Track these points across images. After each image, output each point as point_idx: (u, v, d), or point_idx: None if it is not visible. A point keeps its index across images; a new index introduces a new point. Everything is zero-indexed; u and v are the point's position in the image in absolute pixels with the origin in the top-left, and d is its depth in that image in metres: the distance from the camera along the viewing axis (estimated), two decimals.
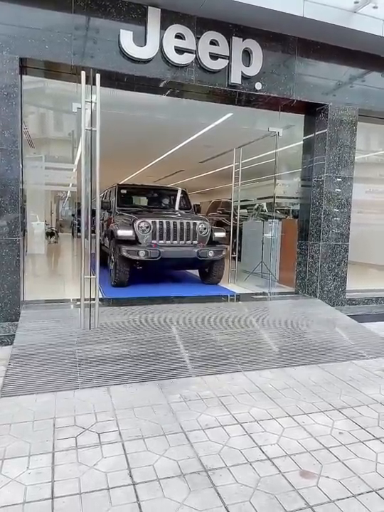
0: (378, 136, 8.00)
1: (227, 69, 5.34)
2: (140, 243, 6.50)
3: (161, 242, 6.60)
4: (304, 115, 6.44)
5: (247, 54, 5.40)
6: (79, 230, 5.70)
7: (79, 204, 4.58)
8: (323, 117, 6.10)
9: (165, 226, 6.68)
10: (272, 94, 5.67)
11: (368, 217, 7.82)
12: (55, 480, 2.14)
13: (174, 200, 8.68)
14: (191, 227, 6.83)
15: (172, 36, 5.04)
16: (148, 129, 7.75)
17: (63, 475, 2.18)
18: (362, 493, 2.13)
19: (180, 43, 5.07)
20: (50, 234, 13.05)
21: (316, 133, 6.26)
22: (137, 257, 6.31)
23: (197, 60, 5.18)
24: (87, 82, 4.27)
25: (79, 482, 2.13)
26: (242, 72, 5.38)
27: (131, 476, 2.19)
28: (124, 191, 8.42)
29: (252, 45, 5.39)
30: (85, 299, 4.59)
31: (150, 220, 6.66)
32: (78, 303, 4.86)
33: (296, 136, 6.75)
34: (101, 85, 4.30)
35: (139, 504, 1.98)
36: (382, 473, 2.30)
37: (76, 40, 4.76)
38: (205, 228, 6.97)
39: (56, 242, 13.60)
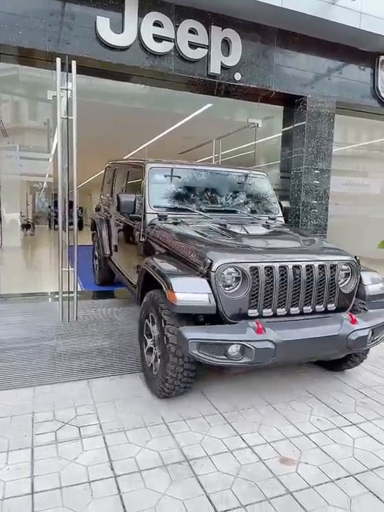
0: (354, 129, 8.12)
1: (207, 58, 5.29)
2: (226, 316, 2.69)
3: (267, 310, 2.76)
4: (283, 107, 6.48)
5: (226, 44, 5.36)
6: (56, 222, 4.68)
7: (56, 195, 4.48)
8: (302, 109, 6.14)
9: (281, 274, 2.78)
10: (251, 85, 5.66)
11: (344, 209, 7.97)
12: (35, 475, 2.11)
13: (253, 198, 4.40)
14: (328, 273, 2.89)
15: (150, 24, 4.95)
16: (126, 120, 7.63)
17: (43, 470, 2.15)
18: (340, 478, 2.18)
19: (158, 31, 4.99)
20: (26, 226, 12.76)
21: (295, 125, 6.30)
22: (223, 361, 2.54)
23: (176, 48, 5.12)
24: (62, 70, 4.16)
25: (59, 476, 2.10)
26: (221, 62, 5.34)
27: (112, 469, 2.18)
28: (161, 177, 4.06)
29: (231, 34, 5.35)
30: (64, 292, 4.51)
31: (250, 260, 2.73)
32: (56, 296, 4.78)
33: (275, 128, 6.78)
34: (77, 73, 4.20)
35: (121, 496, 1.97)
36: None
37: (51, 26, 4.61)
38: (348, 272, 3.07)
39: (32, 235, 13.31)
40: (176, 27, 5.06)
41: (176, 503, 1.96)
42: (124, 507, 1.91)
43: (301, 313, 2.85)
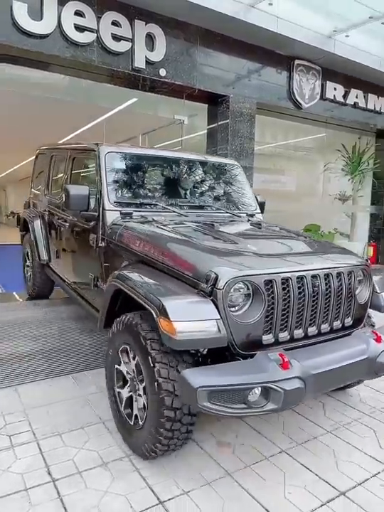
0: (273, 129, 8.59)
1: (131, 52, 5.23)
2: (236, 347, 2.06)
3: (283, 334, 2.19)
4: (207, 105, 6.62)
5: (150, 39, 5.34)
6: None
7: None
8: (225, 108, 6.34)
9: (299, 287, 2.21)
10: (176, 82, 5.71)
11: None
12: None
13: (229, 191, 3.85)
14: (346, 281, 2.41)
15: (71, 13, 4.76)
16: (44, 112, 7.26)
17: None
18: None
19: (80, 21, 4.81)
20: None
21: (219, 123, 6.48)
22: (241, 412, 1.88)
23: (99, 39, 4.98)
24: None
25: None
26: (146, 57, 5.32)
27: (49, 474, 2.10)
28: (121, 165, 3.36)
29: (155, 30, 5.35)
30: None
31: (264, 271, 2.13)
32: None
33: (200, 125, 6.91)
34: None
35: (61, 499, 1.91)
36: None
37: None
38: (361, 279, 2.60)
39: None
40: (99, 18, 4.92)
41: (119, 499, 1.95)
42: (65, 509, 1.85)
43: (319, 334, 2.31)
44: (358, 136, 8.84)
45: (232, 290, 2.02)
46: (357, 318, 2.51)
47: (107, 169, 3.15)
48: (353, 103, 7.72)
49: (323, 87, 7.22)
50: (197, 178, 3.71)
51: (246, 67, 6.35)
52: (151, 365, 2.00)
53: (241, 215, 3.57)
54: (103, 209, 3.04)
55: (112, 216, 3.01)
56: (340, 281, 2.36)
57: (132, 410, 2.28)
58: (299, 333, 2.22)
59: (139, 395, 2.20)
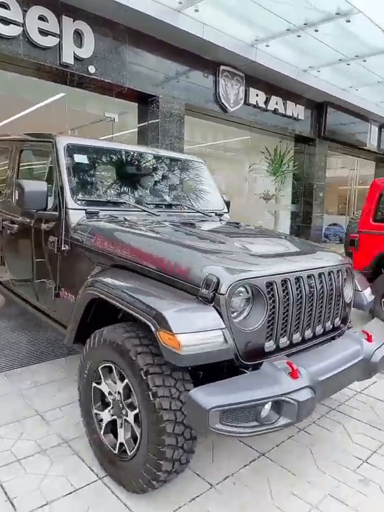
0: (202, 130, 8.93)
1: (59, 47, 5.18)
2: (240, 357, 1.90)
3: (283, 340, 2.10)
4: (137, 104, 6.73)
5: (78, 35, 5.33)
6: None
7: None
8: (155, 108, 6.50)
9: (297, 288, 2.14)
10: (105, 80, 5.75)
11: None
12: None
13: (196, 189, 3.75)
14: (336, 280, 2.39)
15: None
16: None
17: None
18: None
19: (4, 13, 4.68)
20: None
21: (150, 122, 6.62)
22: (254, 431, 1.71)
23: (25, 33, 4.88)
24: None
25: None
26: (74, 53, 5.30)
27: None
28: (83, 159, 3.07)
29: (83, 27, 5.35)
30: None
31: (265, 273, 2.01)
32: None
33: (132, 124, 6.99)
34: None
35: (1, 485, 1.96)
36: None
37: None
38: (345, 277, 2.55)
39: None
40: (25, 11, 4.81)
41: (59, 480, 2.04)
42: (6, 493, 1.91)
43: (314, 336, 2.25)
44: (279, 139, 9.50)
45: (233, 293, 1.84)
46: (343, 318, 2.48)
47: (68, 163, 2.81)
48: (273, 109, 8.30)
49: (246, 93, 7.67)
50: (164, 175, 3.48)
51: (175, 69, 6.57)
52: (147, 386, 1.75)
53: (211, 214, 3.40)
54: (66, 208, 2.69)
55: (76, 216, 2.68)
56: (331, 281, 2.31)
57: (117, 437, 2.03)
58: (297, 337, 2.13)
59: (127, 422, 1.97)
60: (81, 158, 2.97)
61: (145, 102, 6.57)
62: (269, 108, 8.21)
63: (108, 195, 3.02)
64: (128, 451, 1.95)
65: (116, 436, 2.06)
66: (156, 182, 3.43)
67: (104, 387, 2.10)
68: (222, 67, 7.12)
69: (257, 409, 1.66)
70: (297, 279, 2.10)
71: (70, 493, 1.97)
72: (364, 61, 7.45)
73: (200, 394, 1.63)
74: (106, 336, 2.00)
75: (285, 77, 7.69)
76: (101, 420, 2.13)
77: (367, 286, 2.82)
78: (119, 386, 1.98)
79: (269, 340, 1.99)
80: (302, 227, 10.06)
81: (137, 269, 2.16)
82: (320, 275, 2.23)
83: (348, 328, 2.61)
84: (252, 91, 7.76)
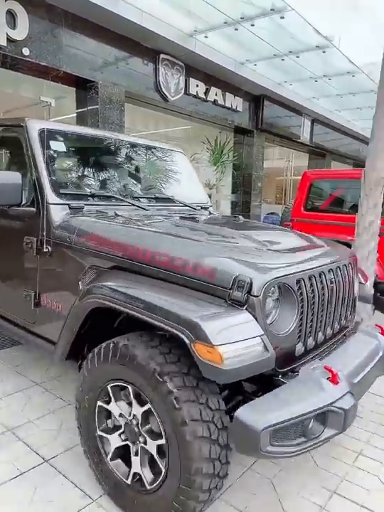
0: (144, 118, 8.90)
1: None
2: (274, 364, 1.66)
3: (310, 341, 1.97)
4: (75, 89, 6.56)
5: (12, 16, 5.08)
6: None
7: None
8: (94, 94, 6.38)
9: (321, 284, 2.01)
10: (41, 63, 5.55)
11: None
12: None
13: (179, 182, 3.47)
14: (351, 274, 2.33)
15: None
16: None
17: None
18: None
19: None
20: None
21: (89, 108, 6.49)
22: (301, 448, 1.54)
23: None
24: None
25: None
26: (7, 34, 5.05)
27: None
28: (61, 147, 2.78)
29: (16, 7, 5.10)
30: None
31: (294, 270, 1.86)
32: None
33: (70, 109, 6.81)
34: None
35: None
36: None
37: None
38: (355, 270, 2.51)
39: None
40: None
41: (5, 466, 2.07)
42: None
43: (333, 335, 2.14)
44: (219, 130, 9.72)
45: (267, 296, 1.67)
46: (353, 313, 2.39)
47: (44, 152, 2.46)
48: (213, 100, 8.47)
49: (187, 83, 7.75)
50: (148, 166, 3.24)
51: (114, 55, 6.47)
52: (180, 414, 1.51)
53: (198, 207, 3.18)
54: (47, 203, 2.34)
55: (59, 212, 2.35)
56: (346, 274, 2.22)
57: (129, 465, 1.80)
58: (320, 336, 2.00)
59: (144, 449, 1.72)
60: (59, 146, 2.62)
61: (83, 87, 6.42)
62: (209, 99, 8.37)
63: (92, 187, 2.71)
64: (147, 483, 1.70)
65: (127, 463, 1.81)
66: (140, 173, 3.17)
67: (113, 408, 1.83)
68: (162, 56, 7.13)
69: (305, 424, 1.52)
70: (319, 274, 1.97)
71: (16, 476, 2.01)
72: (297, 57, 7.83)
73: (248, 414, 1.44)
74: (117, 350, 1.71)
75: (224, 69, 7.87)
76: (106, 444, 1.86)
77: (367, 278, 2.66)
78: (137, 409, 1.72)
79: (299, 342, 1.84)
80: (242, 216, 10.42)
81: (144, 271, 1.89)
82: (337, 269, 2.14)
83: (357, 323, 2.46)
84: (193, 81, 7.86)
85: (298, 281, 1.82)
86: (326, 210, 5.87)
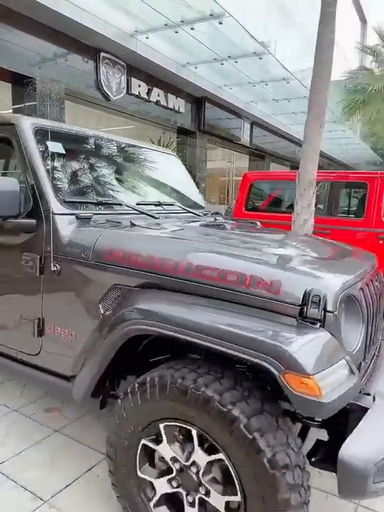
0: (85, 116, 8.74)
1: None
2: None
3: (367, 356, 1.80)
4: (11, 84, 6.31)
5: None
6: None
7: None
8: (32, 90, 6.18)
9: (370, 294, 1.87)
10: None
11: None
12: None
13: (178, 186, 3.26)
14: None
15: None
16: None
17: None
18: None
19: None
20: None
21: (26, 104, 6.28)
22: None
23: None
24: None
25: None
26: None
27: None
28: (58, 149, 2.30)
29: None
30: None
31: (355, 279, 1.74)
32: None
33: (6, 105, 6.54)
34: None
35: None
36: None
37: None
38: None
39: None
40: None
41: None
42: None
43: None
44: (162, 131, 9.79)
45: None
46: None
47: (42, 153, 2.13)
48: (155, 101, 8.53)
49: (128, 82, 7.75)
50: (148, 170, 3.00)
51: (53, 52, 6.32)
52: (262, 455, 1.30)
53: (200, 214, 2.97)
54: (52, 213, 2.00)
55: (66, 223, 2.02)
56: (382, 281, 2.11)
57: None
58: (372, 349, 1.88)
59: (204, 502, 1.49)
60: (56, 147, 2.27)
61: (20, 83, 6.20)
62: (151, 99, 8.41)
63: (96, 194, 2.39)
64: None
65: (175, 509, 1.60)
66: (140, 178, 2.92)
67: (165, 451, 1.57)
68: (102, 54, 7.06)
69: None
70: (372, 282, 1.88)
71: None
72: (236, 62, 8.13)
73: (353, 453, 1.29)
74: (172, 382, 1.46)
75: (165, 70, 7.96)
76: (150, 488, 1.63)
77: None
78: (200, 457, 1.48)
79: (363, 359, 1.67)
80: None
81: (185, 289, 1.65)
82: (378, 276, 2.05)
83: None
84: (135, 81, 7.87)
85: (359, 291, 1.69)
86: (265, 209, 6.17)
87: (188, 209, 2.88)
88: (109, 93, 7.33)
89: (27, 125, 2.16)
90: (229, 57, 7.90)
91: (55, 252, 1.96)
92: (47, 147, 2.18)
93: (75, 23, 5.94)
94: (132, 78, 7.80)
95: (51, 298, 2.05)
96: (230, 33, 6.92)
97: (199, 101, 10.00)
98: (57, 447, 2.28)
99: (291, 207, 5.20)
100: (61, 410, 2.62)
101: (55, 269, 1.97)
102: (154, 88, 8.44)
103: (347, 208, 7.10)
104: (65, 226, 2.01)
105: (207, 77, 9.01)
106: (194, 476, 1.50)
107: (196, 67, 8.43)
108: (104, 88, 7.22)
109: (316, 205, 4.75)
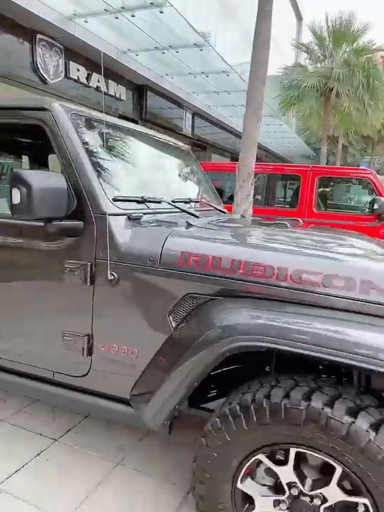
0: None
1: None
2: None
3: None
4: None
5: None
6: None
7: None
8: None
9: None
10: None
11: None
12: None
13: (196, 181, 3.05)
14: None
15: None
16: None
17: None
18: None
19: None
20: None
21: None
22: None
23: None
24: None
25: None
26: None
27: None
28: (97, 139, 2.06)
29: None
30: None
31: None
32: None
33: None
34: None
35: None
36: None
37: None
38: None
39: None
40: None
41: None
42: None
43: None
44: None
45: None
46: None
47: (85, 143, 1.86)
48: (95, 86, 8.31)
49: (67, 66, 7.49)
50: (172, 164, 2.77)
51: None
52: None
53: (225, 211, 2.81)
54: (106, 213, 1.75)
55: (121, 224, 1.79)
56: None
57: None
58: None
59: None
60: (94, 138, 2.01)
61: None
62: (91, 85, 8.19)
63: (136, 191, 2.12)
64: None
65: None
66: (170, 173, 2.71)
67: (284, 475, 1.44)
68: (38, 36, 6.75)
69: None
70: None
71: None
72: (177, 52, 8.16)
73: None
74: (303, 403, 1.31)
75: (105, 55, 7.79)
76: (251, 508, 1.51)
77: None
78: (334, 494, 1.35)
79: None
80: None
81: (282, 296, 1.51)
82: None
83: None
84: (73, 65, 7.62)
85: None
86: None
87: (215, 206, 2.65)
88: (45, 76, 7.04)
89: (63, 110, 1.87)
90: (170, 46, 7.91)
91: (112, 259, 1.72)
92: (88, 137, 1.93)
93: (8, 2, 5.63)
94: (71, 62, 7.55)
95: (105, 311, 1.81)
96: (170, 22, 6.93)
97: (141, 89, 9.91)
98: (5, 436, 2.28)
99: (231, 198, 5.43)
100: (6, 400, 2.61)
101: (112, 277, 1.73)
102: (94, 73, 8.22)
103: (283, 199, 7.53)
104: (121, 228, 1.77)
105: (148, 66, 8.95)
106: (311, 504, 1.39)
107: (137, 55, 8.35)
108: (41, 71, 6.92)
109: (254, 196, 5.00)
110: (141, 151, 2.54)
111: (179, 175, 2.83)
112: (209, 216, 2.42)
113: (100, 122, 2.08)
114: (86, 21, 6.80)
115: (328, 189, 7.01)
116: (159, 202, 2.12)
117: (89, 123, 2.01)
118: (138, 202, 1.99)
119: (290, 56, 17.71)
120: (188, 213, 2.16)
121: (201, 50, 7.94)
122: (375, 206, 5.18)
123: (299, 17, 23.00)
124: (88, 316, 1.81)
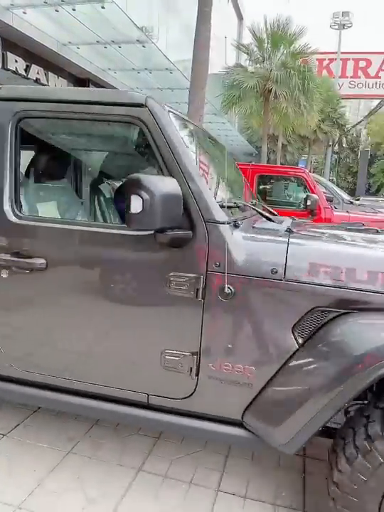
0: None
1: None
2: None
3: None
4: None
5: None
6: None
7: None
8: None
9: None
10: None
11: None
12: None
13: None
14: None
15: None
16: None
17: None
18: None
19: None
20: None
21: None
22: None
23: None
24: None
25: None
26: None
27: None
28: (189, 137, 1.95)
29: None
30: None
31: None
32: None
33: None
34: None
35: None
36: None
37: None
38: None
39: None
40: None
41: None
42: None
43: None
44: None
45: None
46: None
47: (181, 145, 1.65)
48: (35, 78, 8.09)
49: (4, 57, 7.23)
50: (232, 166, 2.58)
51: None
52: None
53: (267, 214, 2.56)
54: (217, 222, 1.61)
55: (232, 233, 1.63)
56: None
57: None
58: None
59: None
60: (189, 139, 1.86)
61: None
62: (30, 77, 7.96)
63: (225, 195, 1.95)
64: None
65: None
66: (229, 174, 2.46)
67: None
68: None
69: None
70: None
71: None
72: (119, 47, 8.16)
73: None
74: None
75: (45, 47, 7.61)
76: None
77: None
78: None
79: None
80: None
81: None
82: None
83: None
84: (11, 56, 7.36)
85: None
86: None
87: (259, 210, 2.35)
88: None
89: (161, 108, 1.68)
90: (112, 41, 7.89)
91: (229, 271, 1.58)
92: (185, 137, 1.76)
93: None
94: (8, 53, 7.29)
95: (217, 327, 1.65)
96: (112, 17, 6.92)
97: (83, 82, 9.74)
98: None
99: None
100: None
101: (229, 291, 1.58)
102: (33, 65, 8.00)
103: None
104: (234, 238, 1.62)
105: (90, 59, 8.84)
106: None
107: (78, 48, 8.23)
108: None
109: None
110: (211, 151, 2.40)
111: (234, 176, 2.63)
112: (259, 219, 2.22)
113: (187, 121, 1.96)
114: (24, 12, 6.61)
115: (267, 186, 7.37)
116: (242, 206, 2.01)
117: (182, 122, 1.89)
118: (229, 207, 1.80)
119: (232, 56, 18.15)
120: (266, 218, 2.07)
121: (144, 46, 7.99)
122: (308, 203, 5.55)
123: (240, 17, 23.50)
124: (196, 332, 1.66)
